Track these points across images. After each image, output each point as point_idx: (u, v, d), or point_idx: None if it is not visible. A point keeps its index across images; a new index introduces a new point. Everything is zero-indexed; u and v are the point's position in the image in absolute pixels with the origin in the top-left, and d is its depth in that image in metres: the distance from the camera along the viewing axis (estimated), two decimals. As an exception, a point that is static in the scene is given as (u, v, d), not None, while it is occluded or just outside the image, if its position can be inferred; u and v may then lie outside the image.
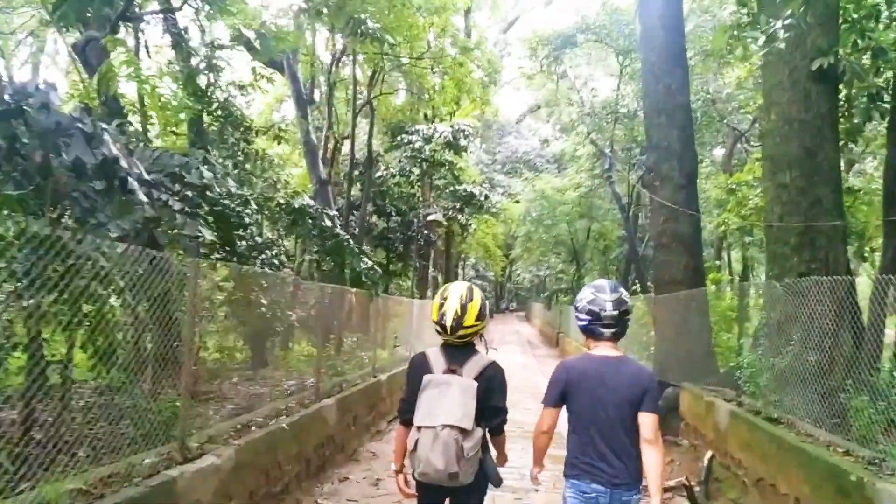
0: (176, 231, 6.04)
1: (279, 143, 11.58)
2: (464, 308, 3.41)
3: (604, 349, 3.39)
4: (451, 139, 19.89)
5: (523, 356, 26.89)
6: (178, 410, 4.96)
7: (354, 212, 18.55)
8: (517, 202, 33.22)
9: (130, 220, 4.97)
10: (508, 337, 39.18)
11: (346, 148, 19.48)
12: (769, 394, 6.67)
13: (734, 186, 19.01)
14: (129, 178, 4.48)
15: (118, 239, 4.62)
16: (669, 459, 8.47)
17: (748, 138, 21.06)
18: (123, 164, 4.31)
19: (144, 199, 4.52)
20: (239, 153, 11.60)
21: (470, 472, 3.26)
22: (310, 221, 9.78)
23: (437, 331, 3.52)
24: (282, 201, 9.71)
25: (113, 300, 5.49)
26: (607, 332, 3.37)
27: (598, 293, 3.39)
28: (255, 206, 9.05)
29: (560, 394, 3.40)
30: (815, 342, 6.82)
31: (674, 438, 9.25)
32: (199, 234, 5.59)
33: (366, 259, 10.35)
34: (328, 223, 9.60)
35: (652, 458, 3.23)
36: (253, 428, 5.97)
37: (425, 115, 23.43)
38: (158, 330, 5.37)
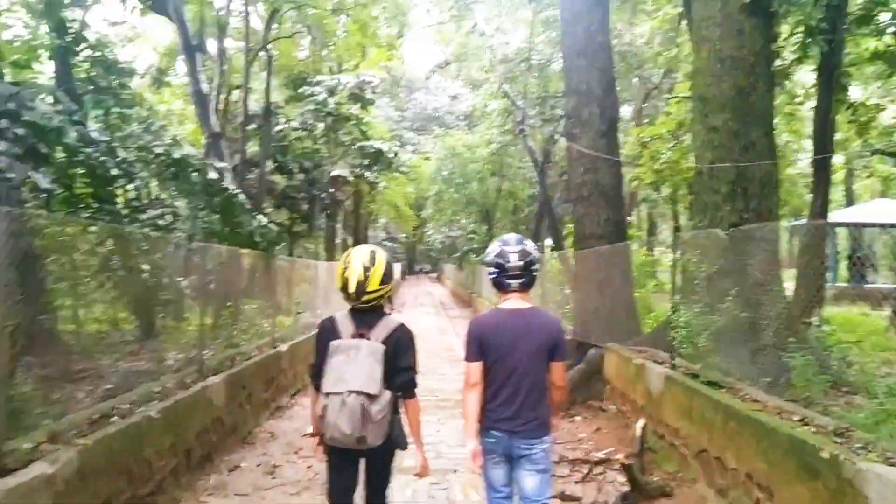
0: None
1: (158, 87, 10.17)
2: (366, 273, 3.41)
3: (513, 302, 3.51)
4: (357, 90, 18.66)
5: (436, 318, 26.24)
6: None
7: (254, 169, 17.19)
8: (427, 159, 32.19)
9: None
10: (421, 299, 38.55)
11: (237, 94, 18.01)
12: (708, 355, 6.08)
13: (647, 140, 18.71)
14: None
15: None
16: (596, 427, 7.88)
17: (661, 91, 20.74)
18: None
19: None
20: (112, 99, 10.19)
21: (379, 435, 3.29)
22: (193, 174, 8.55)
23: (342, 296, 3.50)
24: (159, 151, 8.41)
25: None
26: (514, 283, 3.49)
27: (504, 246, 3.53)
28: (124, 156, 7.75)
29: (478, 348, 3.48)
30: (746, 297, 6.33)
31: (599, 403, 8.68)
32: (28, 179, 4.39)
33: (259, 217, 9.20)
34: (214, 176, 8.40)
35: (558, 397, 3.61)
36: (114, 418, 4.90)
37: (330, 69, 22.03)
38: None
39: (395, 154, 21.52)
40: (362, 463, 3.55)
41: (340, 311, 3.56)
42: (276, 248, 18.53)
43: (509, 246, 3.52)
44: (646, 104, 24.94)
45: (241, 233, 8.84)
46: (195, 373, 6.72)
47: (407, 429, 3.55)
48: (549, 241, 30.87)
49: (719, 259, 6.50)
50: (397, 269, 50.75)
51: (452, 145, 28.64)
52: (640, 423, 6.63)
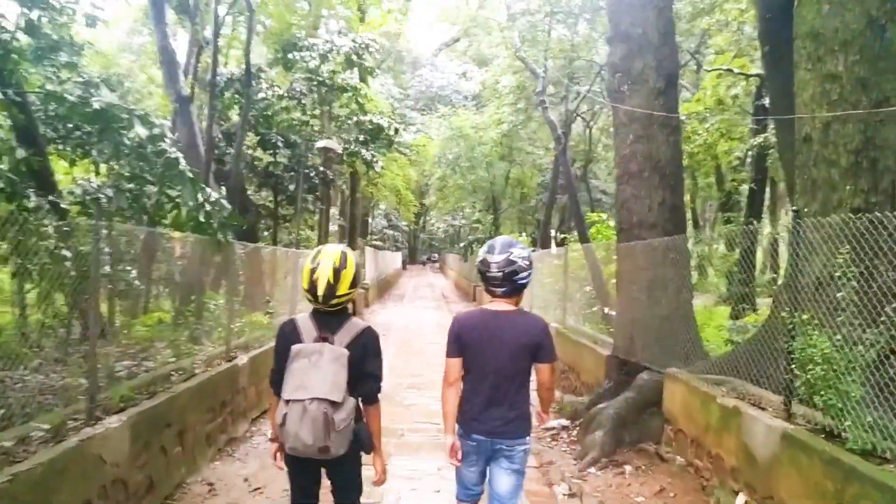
0: None
1: (93, 25, 7.99)
2: (337, 275, 3.19)
3: (499, 304, 3.45)
4: (354, 56, 16.40)
5: (437, 313, 24.02)
6: None
7: (233, 143, 14.93)
8: (430, 139, 29.84)
9: None
10: (421, 291, 36.35)
11: (221, 60, 15.77)
12: (862, 411, 3.91)
13: (683, 118, 16.58)
14: None
15: None
16: (658, 488, 5.69)
17: (699, 62, 18.47)
18: None
19: None
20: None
21: (343, 444, 3.10)
22: (119, 131, 6.38)
23: (307, 298, 3.25)
24: (71, 98, 6.23)
25: None
26: (497, 290, 3.41)
27: (488, 253, 3.41)
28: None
29: (458, 345, 3.45)
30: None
31: (655, 447, 6.51)
32: None
33: (208, 190, 6.99)
34: (144, 133, 6.20)
35: (545, 393, 3.57)
36: None
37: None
38: None
39: (396, 131, 19.21)
40: (324, 471, 3.40)
41: (301, 314, 3.36)
42: (261, 234, 16.31)
43: (492, 255, 3.39)
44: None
45: (184, 212, 6.64)
46: (83, 413, 4.57)
47: None
48: (558, 235, 28.70)
49: (874, 260, 4.32)
50: (398, 258, 48.67)
51: (459, 125, 26.35)
52: (741, 499, 4.49)
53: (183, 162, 6.60)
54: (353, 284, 3.24)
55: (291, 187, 16.43)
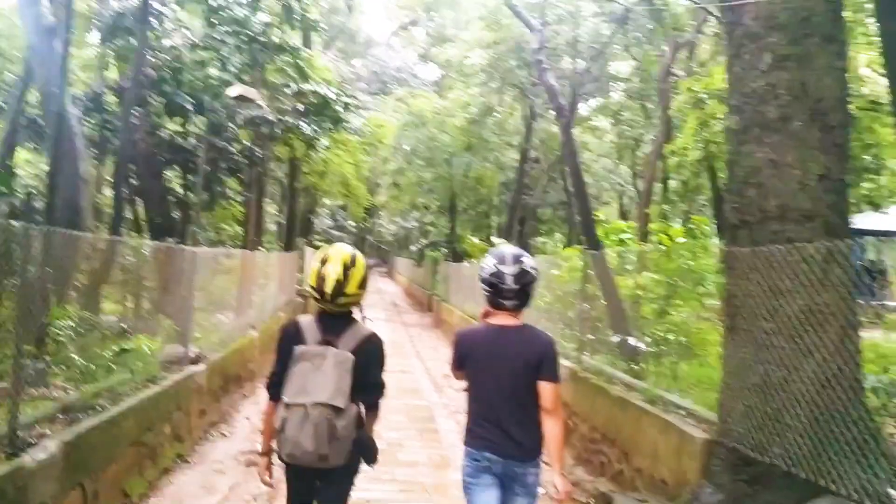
0: None
1: None
2: (346, 273, 3.15)
3: (503, 318, 3.31)
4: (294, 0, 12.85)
5: (389, 326, 20.45)
6: None
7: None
8: (384, 123, 26.18)
9: None
10: (368, 297, 32.33)
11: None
12: None
13: (704, 96, 13.60)
14: None
15: None
16: None
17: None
18: None
19: None
20: None
21: (342, 453, 3.00)
22: None
23: (314, 297, 3.22)
24: None
25: None
26: (508, 303, 3.28)
27: (501, 264, 3.26)
28: None
29: (461, 363, 3.36)
30: None
31: None
32: None
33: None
34: None
35: (552, 428, 3.19)
36: None
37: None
38: None
39: (346, 106, 15.67)
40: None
41: (305, 316, 3.32)
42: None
43: (506, 265, 3.22)
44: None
45: None
46: None
47: None
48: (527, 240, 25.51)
49: None
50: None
51: (419, 109, 22.84)
52: None
53: None
54: (362, 285, 3.20)
55: (206, 166, 12.70)
